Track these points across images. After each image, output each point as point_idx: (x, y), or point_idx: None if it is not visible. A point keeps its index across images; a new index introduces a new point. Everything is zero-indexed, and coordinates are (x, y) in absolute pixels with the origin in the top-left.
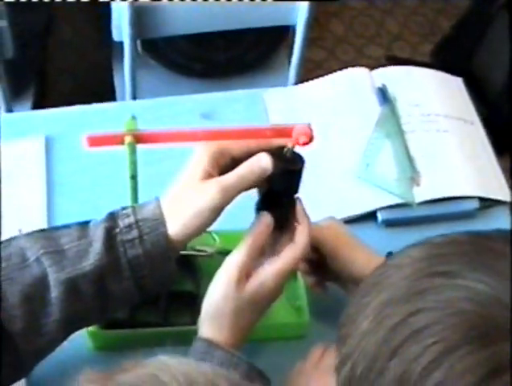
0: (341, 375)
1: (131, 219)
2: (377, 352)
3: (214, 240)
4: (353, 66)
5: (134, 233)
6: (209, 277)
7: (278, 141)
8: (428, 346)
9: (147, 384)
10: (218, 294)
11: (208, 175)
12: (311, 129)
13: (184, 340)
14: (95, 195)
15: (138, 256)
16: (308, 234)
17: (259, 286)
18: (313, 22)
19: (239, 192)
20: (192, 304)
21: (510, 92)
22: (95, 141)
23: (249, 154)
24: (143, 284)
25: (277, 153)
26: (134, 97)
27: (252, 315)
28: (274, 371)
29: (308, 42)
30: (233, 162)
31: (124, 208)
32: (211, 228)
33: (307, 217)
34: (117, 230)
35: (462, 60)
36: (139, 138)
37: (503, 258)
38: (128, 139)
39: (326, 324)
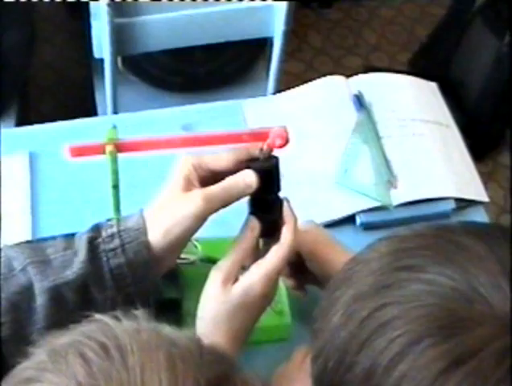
0: (315, 369)
1: (114, 229)
2: (347, 346)
3: (196, 247)
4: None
5: (116, 242)
6: (192, 284)
7: (254, 150)
8: (393, 340)
9: (81, 344)
10: (207, 301)
11: (191, 185)
12: (286, 132)
13: None
14: (79, 208)
15: (121, 265)
16: (294, 233)
17: (248, 288)
18: (291, 34)
19: (222, 204)
20: (175, 311)
21: (489, 98)
22: (77, 152)
23: (228, 167)
24: (127, 293)
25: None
26: (116, 113)
27: (244, 320)
28: (258, 374)
29: (286, 54)
30: (214, 176)
31: (109, 220)
32: (193, 236)
33: (294, 217)
34: (100, 240)
35: (439, 68)
36: (120, 147)
37: (465, 251)
38: (109, 148)
39: (308, 326)
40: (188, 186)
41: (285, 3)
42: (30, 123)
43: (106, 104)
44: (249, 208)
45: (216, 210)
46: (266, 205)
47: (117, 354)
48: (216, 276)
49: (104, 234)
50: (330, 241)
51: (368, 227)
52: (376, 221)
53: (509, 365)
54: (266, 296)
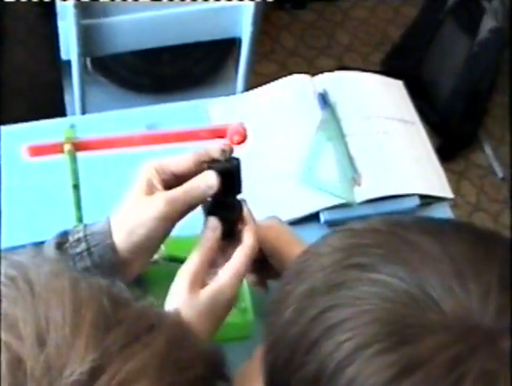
0: (266, 364)
1: (80, 234)
2: (297, 345)
3: (160, 248)
4: None
5: (83, 246)
6: (155, 283)
7: (215, 153)
8: (341, 343)
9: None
10: (174, 305)
11: (154, 188)
12: (244, 129)
13: None
14: (41, 209)
15: (87, 268)
16: (255, 233)
17: (217, 293)
18: (263, 35)
19: (185, 206)
20: None
21: (460, 97)
22: (35, 151)
23: (190, 169)
24: None
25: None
26: (84, 114)
27: (212, 322)
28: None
29: (259, 55)
30: (176, 179)
31: (76, 226)
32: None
33: (253, 218)
34: (68, 244)
35: (412, 68)
36: (78, 146)
37: (419, 252)
38: (67, 147)
39: None
40: (151, 190)
41: (252, 4)
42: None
43: (75, 106)
44: (208, 209)
45: (181, 212)
46: (226, 206)
47: (24, 285)
48: (182, 280)
49: (71, 239)
50: (292, 238)
51: (332, 224)
52: (340, 218)
53: (458, 375)
54: (233, 299)
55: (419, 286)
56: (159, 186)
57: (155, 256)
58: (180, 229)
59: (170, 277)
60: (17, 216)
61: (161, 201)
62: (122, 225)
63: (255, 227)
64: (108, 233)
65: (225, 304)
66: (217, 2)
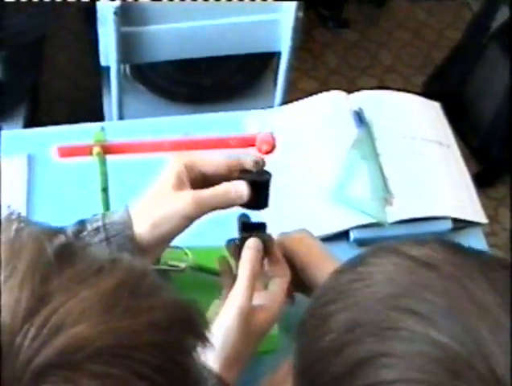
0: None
1: (99, 223)
2: (338, 382)
3: (187, 255)
4: None
5: (101, 236)
6: (181, 291)
7: (247, 162)
8: None
9: None
10: (229, 335)
11: (181, 184)
12: (273, 138)
13: None
14: (73, 211)
15: None
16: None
17: (267, 324)
18: (306, 52)
19: (211, 209)
20: None
21: (502, 122)
22: (65, 152)
23: (219, 172)
24: None
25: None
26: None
27: (254, 345)
28: (244, 385)
29: (300, 72)
30: (203, 179)
31: (95, 215)
32: (184, 244)
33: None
34: (85, 233)
35: (454, 91)
36: (107, 149)
37: (478, 307)
38: (96, 149)
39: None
40: (180, 185)
41: (292, 18)
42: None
43: (112, 111)
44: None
45: (205, 213)
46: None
47: None
48: (243, 309)
49: (89, 227)
50: (324, 253)
51: (362, 243)
52: (370, 237)
53: None
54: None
55: (478, 351)
56: (187, 183)
57: (183, 265)
58: (208, 239)
59: (197, 286)
60: (47, 218)
61: (189, 200)
62: (147, 216)
63: (282, 259)
64: (128, 224)
65: (273, 324)
66: (257, 16)
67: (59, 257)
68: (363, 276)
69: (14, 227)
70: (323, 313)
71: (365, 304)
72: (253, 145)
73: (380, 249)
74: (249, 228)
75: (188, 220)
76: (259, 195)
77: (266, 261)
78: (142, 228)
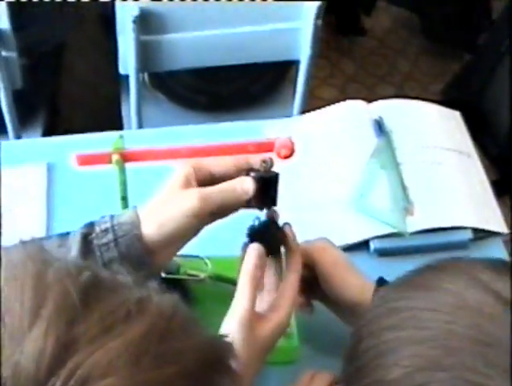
0: None
1: (107, 225)
2: None
3: (206, 265)
4: None
5: (109, 237)
6: (202, 301)
7: (255, 161)
8: None
9: None
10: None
11: (188, 184)
12: (292, 142)
13: None
14: (91, 218)
15: (114, 259)
16: (299, 257)
17: (278, 327)
18: (324, 60)
19: (217, 206)
20: None
21: None
22: (84, 160)
23: (227, 172)
24: None
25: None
26: (140, 128)
27: (267, 352)
28: None
29: (319, 80)
30: (212, 180)
31: (103, 217)
32: (203, 254)
33: (296, 240)
34: (94, 235)
35: (472, 99)
36: (126, 157)
37: None
38: (115, 157)
39: (315, 349)
40: (187, 185)
41: (311, 27)
42: (57, 136)
43: (131, 119)
44: (250, 230)
45: (212, 211)
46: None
47: None
48: (244, 321)
49: (97, 229)
50: (346, 263)
51: (382, 253)
52: (390, 247)
53: None
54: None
55: None
56: (194, 183)
57: (202, 275)
58: (227, 249)
59: (216, 296)
60: (67, 226)
61: (194, 196)
62: (153, 216)
63: (298, 251)
64: (136, 224)
65: (282, 333)
66: (277, 24)
67: (84, 299)
68: (437, 305)
69: (36, 266)
70: (383, 338)
71: (446, 343)
72: (271, 151)
73: (449, 270)
74: (257, 230)
75: (195, 218)
76: (266, 192)
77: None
78: (150, 228)
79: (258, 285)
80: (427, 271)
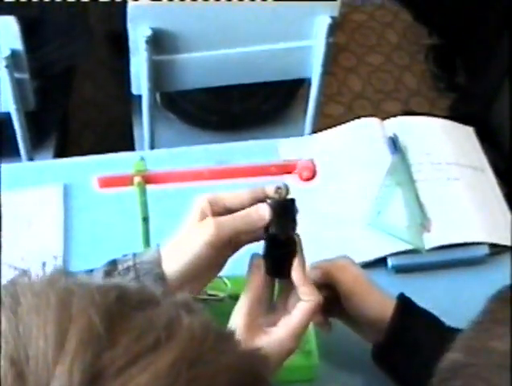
0: None
1: (130, 263)
2: None
3: (225, 284)
4: None
5: (131, 275)
6: (220, 320)
7: (270, 189)
8: None
9: None
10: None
11: (205, 217)
12: (313, 164)
13: None
14: (110, 240)
15: None
16: (315, 291)
17: (275, 344)
18: (331, 77)
19: (233, 233)
20: None
21: None
22: (105, 183)
23: (243, 205)
24: None
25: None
26: (152, 149)
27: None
28: None
29: (326, 97)
30: (228, 213)
31: (126, 255)
32: (222, 273)
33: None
34: (116, 273)
35: (480, 113)
36: (148, 179)
37: None
38: (137, 179)
39: (335, 367)
40: (203, 219)
41: (323, 45)
42: (68, 156)
43: (144, 140)
44: (264, 249)
45: (229, 239)
46: (278, 245)
47: (11, 302)
48: (237, 322)
49: (120, 267)
50: (367, 281)
51: (399, 270)
52: (408, 264)
53: None
54: (293, 350)
55: None
56: (210, 215)
57: (221, 295)
58: (246, 269)
59: None
60: (85, 247)
61: (210, 225)
62: (172, 253)
63: (313, 284)
64: (157, 262)
65: (282, 354)
66: (288, 43)
67: (110, 327)
68: None
69: (58, 296)
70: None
71: None
72: (293, 171)
73: None
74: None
75: (212, 246)
76: (283, 218)
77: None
78: (170, 265)
79: (257, 293)
80: None
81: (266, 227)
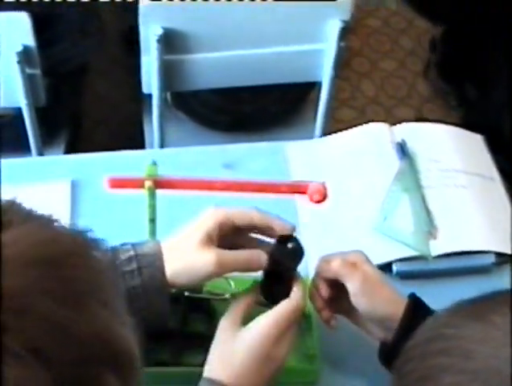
0: None
1: (131, 253)
2: None
3: (229, 285)
4: None
5: (134, 265)
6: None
7: (280, 225)
8: None
9: None
10: (216, 346)
11: (209, 241)
12: (325, 188)
13: (196, 381)
14: (116, 237)
15: (136, 286)
16: (304, 291)
17: (256, 333)
18: (344, 81)
19: (232, 271)
20: (205, 345)
21: None
22: (116, 184)
23: (251, 226)
24: (139, 317)
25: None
26: (162, 148)
27: (251, 366)
28: None
29: (339, 101)
30: (235, 230)
31: (123, 244)
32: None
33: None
34: (118, 262)
35: (492, 120)
36: (158, 184)
37: None
38: (148, 184)
39: (336, 370)
40: (207, 243)
41: (334, 48)
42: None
43: (153, 138)
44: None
45: (226, 273)
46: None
47: None
48: (224, 323)
49: (122, 257)
50: (380, 279)
51: (404, 276)
52: (413, 270)
53: None
54: (275, 348)
55: None
56: (215, 237)
57: (226, 295)
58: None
59: None
60: None
61: (213, 260)
62: (169, 262)
63: (304, 288)
64: (158, 256)
65: (266, 346)
66: (299, 46)
67: None
68: (484, 337)
69: None
70: (427, 363)
71: (486, 377)
72: (304, 193)
73: (501, 303)
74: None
75: (209, 277)
76: (286, 261)
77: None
78: (167, 272)
79: (249, 299)
80: (481, 301)
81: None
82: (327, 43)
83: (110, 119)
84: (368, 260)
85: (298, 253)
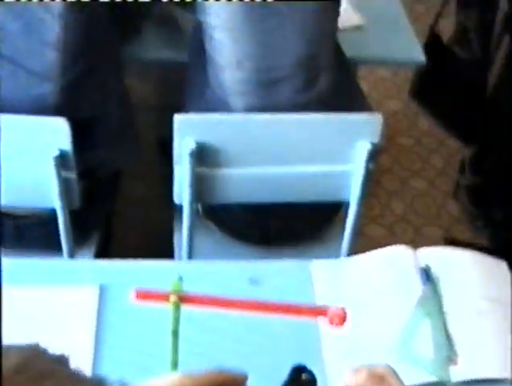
0: None
1: None
2: None
3: None
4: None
5: None
6: None
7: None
8: None
9: None
10: None
11: None
12: (344, 313)
13: None
14: (139, 346)
15: None
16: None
17: None
18: (373, 199)
19: None
20: None
21: None
22: (142, 296)
23: None
24: None
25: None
26: (190, 258)
27: None
28: None
29: (367, 218)
30: None
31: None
32: None
33: None
34: None
35: None
36: (183, 299)
37: None
38: (173, 298)
39: None
40: None
41: (362, 169)
42: (110, 256)
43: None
44: None
45: None
46: None
47: None
48: None
49: None
50: None
51: None
52: None
53: None
54: None
55: None
56: None
57: None
58: None
59: None
60: (113, 351)
61: None
62: None
63: None
64: None
65: None
66: (328, 165)
67: None
68: None
69: None
70: None
71: None
72: (324, 315)
73: None
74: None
75: None
76: None
77: None
78: None
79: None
80: None
81: None
82: (355, 164)
83: (142, 224)
84: (395, 373)
85: (312, 385)
